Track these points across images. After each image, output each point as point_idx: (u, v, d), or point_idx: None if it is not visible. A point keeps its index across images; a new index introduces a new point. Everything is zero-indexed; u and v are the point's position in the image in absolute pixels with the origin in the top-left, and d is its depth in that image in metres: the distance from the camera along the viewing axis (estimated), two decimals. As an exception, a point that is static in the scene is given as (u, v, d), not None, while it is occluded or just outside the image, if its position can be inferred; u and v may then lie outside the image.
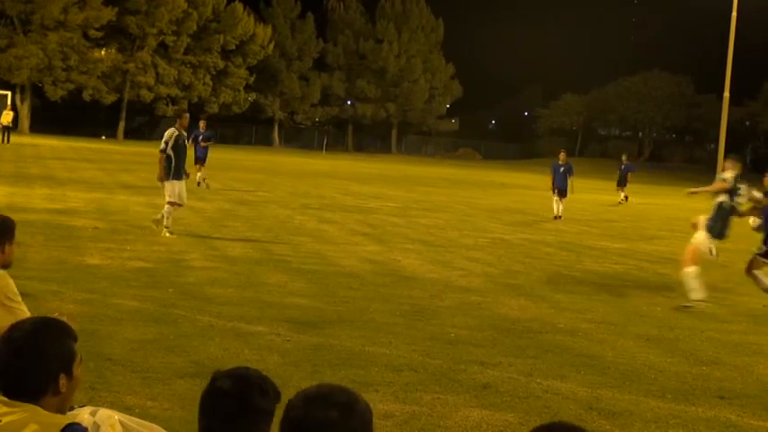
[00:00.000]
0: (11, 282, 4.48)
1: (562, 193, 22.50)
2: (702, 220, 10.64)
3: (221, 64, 65.78)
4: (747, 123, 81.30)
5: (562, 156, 23.64)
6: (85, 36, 57.76)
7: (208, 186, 23.12)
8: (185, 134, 13.84)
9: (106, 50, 60.82)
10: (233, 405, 2.39)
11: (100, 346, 6.53)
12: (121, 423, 2.99)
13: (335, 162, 51.94)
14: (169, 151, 13.27)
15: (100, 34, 57.95)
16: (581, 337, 8.22)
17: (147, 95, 62.11)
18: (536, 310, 9.44)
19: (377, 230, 16.46)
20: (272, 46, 68.97)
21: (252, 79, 68.53)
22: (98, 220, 14.69)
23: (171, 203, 13.35)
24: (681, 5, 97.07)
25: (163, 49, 63.05)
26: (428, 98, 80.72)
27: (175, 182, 13.38)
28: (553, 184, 22.75)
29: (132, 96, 62.38)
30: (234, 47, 65.93)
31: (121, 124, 63.83)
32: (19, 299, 4.49)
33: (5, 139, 40.22)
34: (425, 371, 6.61)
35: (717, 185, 10.86)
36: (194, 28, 62.71)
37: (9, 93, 50.25)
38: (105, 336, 6.94)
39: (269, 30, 68.66)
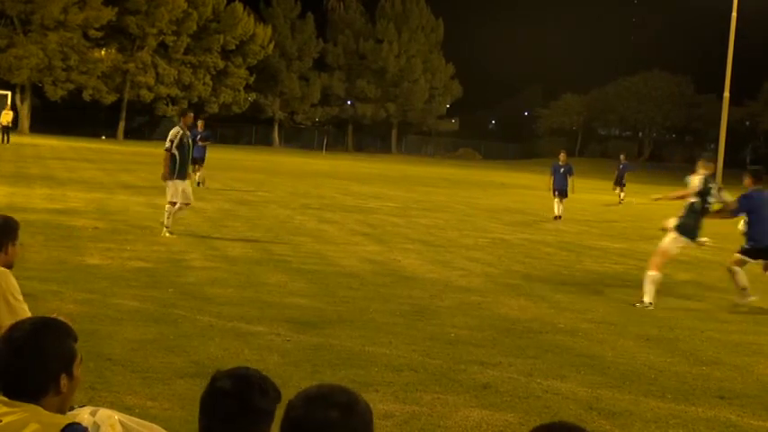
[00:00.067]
0: (14, 280, 4.49)
1: (563, 194, 22.49)
2: (672, 222, 10.68)
3: (221, 64, 65.80)
4: (747, 123, 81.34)
5: (562, 156, 23.62)
6: (85, 36, 57.78)
7: (205, 185, 23.13)
8: (189, 133, 13.89)
9: (106, 50, 60.84)
10: (233, 405, 2.39)
11: (100, 346, 6.53)
12: (121, 423, 3.00)
13: (335, 162, 51.95)
14: (174, 150, 13.28)
15: (100, 34, 57.97)
16: (581, 337, 8.22)
17: (147, 95, 62.14)
18: (536, 310, 9.44)
19: (377, 230, 16.47)
20: (272, 46, 68.99)
21: (252, 79, 68.56)
22: (98, 220, 14.68)
23: (172, 203, 13.36)
24: (681, 5, 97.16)
25: (163, 49, 63.06)
26: (428, 98, 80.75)
27: (179, 181, 13.37)
28: (553, 185, 22.74)
29: (132, 96, 62.40)
30: (234, 47, 65.95)
31: (121, 124, 63.86)
32: (21, 298, 4.50)
33: (5, 139, 40.23)
34: (425, 371, 6.61)
35: (681, 192, 10.95)
36: (194, 28, 62.74)
37: (9, 93, 50.27)
38: (105, 336, 6.94)
39: (269, 30, 68.68)
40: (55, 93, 57.89)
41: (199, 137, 24.12)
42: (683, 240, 10.52)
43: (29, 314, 4.21)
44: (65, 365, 2.57)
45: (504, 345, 7.67)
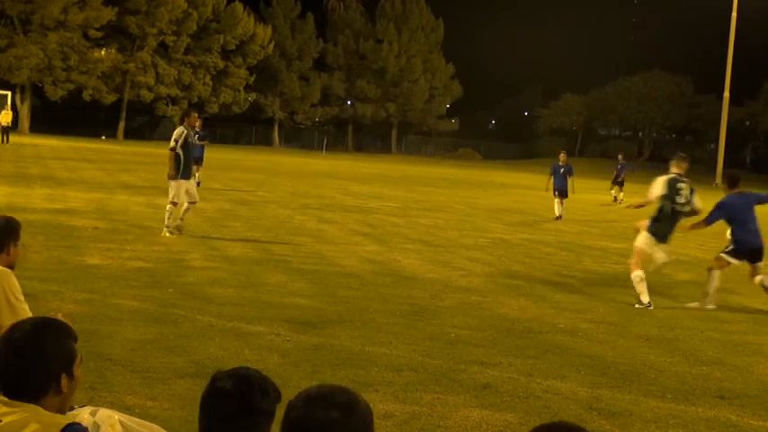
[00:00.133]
0: (15, 281, 4.49)
1: (563, 194, 22.49)
2: (644, 223, 10.65)
3: (221, 64, 65.81)
4: (747, 123, 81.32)
5: (562, 157, 23.62)
6: (85, 36, 57.79)
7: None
8: (193, 133, 13.94)
9: (106, 50, 60.84)
10: (233, 405, 2.39)
11: (100, 346, 6.53)
12: (121, 423, 3.00)
13: (335, 162, 51.95)
14: (179, 149, 13.30)
15: (100, 34, 57.98)
16: (581, 337, 8.22)
17: (147, 95, 62.14)
18: (536, 310, 9.44)
19: (377, 230, 16.47)
20: (272, 46, 69.00)
21: (252, 79, 68.57)
22: (98, 220, 14.69)
23: (173, 203, 13.38)
24: (681, 5, 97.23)
25: (163, 49, 63.07)
26: (428, 98, 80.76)
27: (183, 181, 13.40)
28: (553, 185, 22.74)
29: (132, 96, 62.41)
30: (234, 47, 65.96)
31: (121, 124, 63.87)
32: (22, 298, 4.50)
33: (5, 139, 40.24)
34: (425, 371, 6.61)
35: (642, 200, 10.97)
36: (194, 28, 62.74)
37: (9, 93, 50.27)
38: (105, 336, 6.94)
39: (269, 30, 68.70)
40: (55, 93, 57.89)
41: (197, 136, 24.11)
42: (654, 241, 10.48)
43: (30, 314, 4.22)
44: (65, 365, 2.58)
45: (504, 345, 7.67)
